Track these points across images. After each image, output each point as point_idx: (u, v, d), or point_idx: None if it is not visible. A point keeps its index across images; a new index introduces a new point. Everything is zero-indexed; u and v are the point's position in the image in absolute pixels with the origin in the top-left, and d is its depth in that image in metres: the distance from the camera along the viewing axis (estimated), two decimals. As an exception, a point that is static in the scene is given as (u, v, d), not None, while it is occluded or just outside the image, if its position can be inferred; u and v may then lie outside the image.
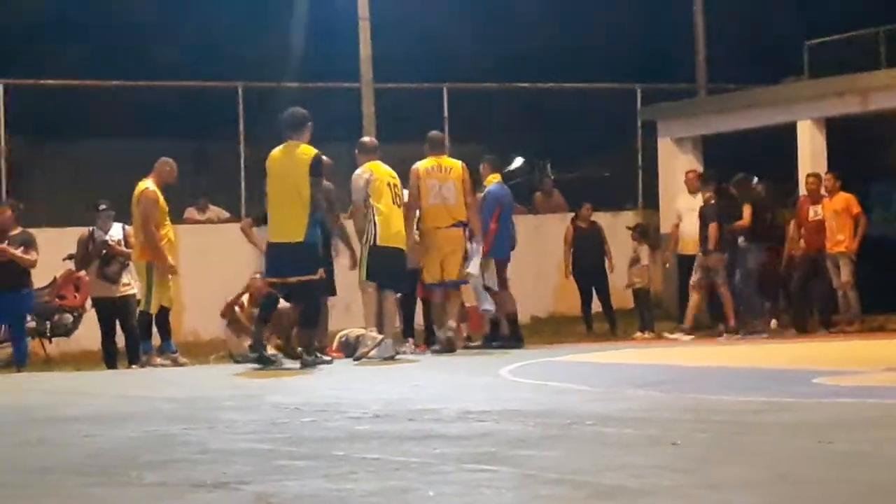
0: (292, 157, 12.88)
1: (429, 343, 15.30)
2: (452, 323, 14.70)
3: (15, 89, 19.53)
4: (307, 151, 12.88)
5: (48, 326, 16.53)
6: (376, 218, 13.90)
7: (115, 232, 14.97)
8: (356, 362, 13.42)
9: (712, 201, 17.44)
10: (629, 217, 20.89)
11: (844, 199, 17.49)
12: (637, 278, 18.25)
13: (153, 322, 14.58)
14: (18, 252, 15.11)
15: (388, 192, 14.05)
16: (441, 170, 14.83)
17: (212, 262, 17.89)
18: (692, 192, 18.41)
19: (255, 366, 12.84)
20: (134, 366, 14.44)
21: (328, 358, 13.34)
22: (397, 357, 13.72)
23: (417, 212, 14.72)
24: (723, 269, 17.39)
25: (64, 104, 20.67)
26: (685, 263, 18.04)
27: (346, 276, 14.47)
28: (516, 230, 16.15)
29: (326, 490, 5.70)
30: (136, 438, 7.64)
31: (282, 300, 13.31)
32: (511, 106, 22.47)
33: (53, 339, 16.71)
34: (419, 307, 15.76)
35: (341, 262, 14.39)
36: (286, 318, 13.70)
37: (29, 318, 15.97)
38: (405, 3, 21.50)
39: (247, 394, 10.36)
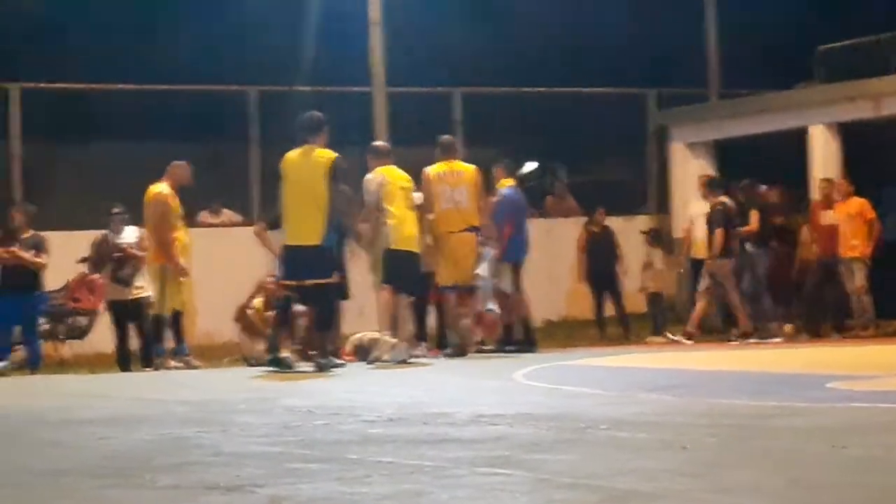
0: (309, 160, 12.92)
1: (441, 347, 15.32)
2: (466, 322, 14.72)
3: (29, 92, 19.57)
4: (324, 154, 12.93)
5: (62, 329, 16.56)
6: (389, 222, 13.92)
7: (129, 235, 15.01)
8: (370, 366, 13.45)
9: (719, 207, 17.40)
10: (641, 221, 20.87)
11: (858, 203, 17.47)
12: (650, 282, 18.27)
13: (167, 325, 14.63)
14: (29, 255, 15.15)
15: (400, 195, 14.07)
16: (452, 174, 14.83)
17: (225, 266, 17.87)
18: (705, 196, 18.38)
19: (269, 368, 12.87)
20: (148, 369, 14.48)
21: (341, 361, 13.38)
22: (411, 361, 13.74)
23: (429, 216, 14.74)
24: (730, 274, 17.37)
25: (76, 107, 20.69)
26: (698, 267, 17.99)
27: (360, 279, 14.48)
28: (529, 234, 16.15)
29: (340, 493, 5.71)
30: (150, 441, 7.66)
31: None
32: (524, 110, 22.44)
33: (67, 342, 16.72)
34: (432, 311, 15.78)
35: (356, 266, 14.40)
36: (300, 321, 13.71)
37: (42, 320, 16.01)
38: (417, 7, 21.46)
39: (260, 397, 10.38)
